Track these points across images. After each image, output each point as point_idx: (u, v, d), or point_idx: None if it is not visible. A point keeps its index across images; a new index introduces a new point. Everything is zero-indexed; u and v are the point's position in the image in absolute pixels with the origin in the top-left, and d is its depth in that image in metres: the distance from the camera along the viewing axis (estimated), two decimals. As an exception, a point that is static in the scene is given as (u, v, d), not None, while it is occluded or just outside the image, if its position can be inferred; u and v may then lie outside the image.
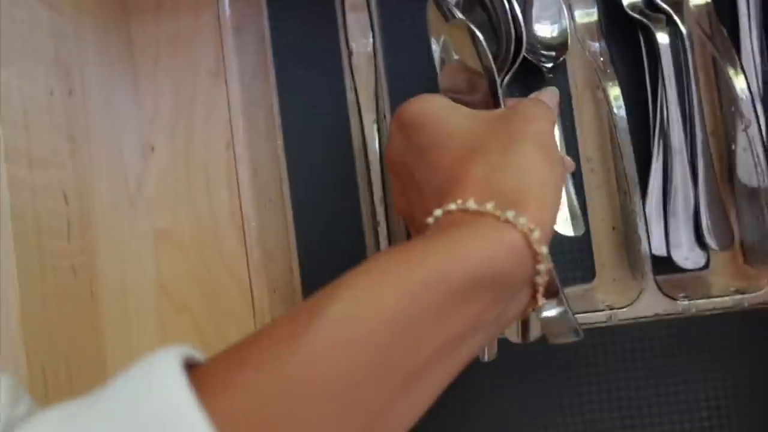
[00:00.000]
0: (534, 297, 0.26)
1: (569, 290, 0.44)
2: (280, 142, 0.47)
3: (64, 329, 0.35)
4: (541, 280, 0.25)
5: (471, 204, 0.25)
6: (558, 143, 0.43)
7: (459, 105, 0.32)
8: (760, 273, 0.42)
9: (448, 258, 0.23)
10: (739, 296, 0.39)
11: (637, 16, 0.43)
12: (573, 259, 0.44)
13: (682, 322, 0.42)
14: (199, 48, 0.49)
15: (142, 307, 0.45)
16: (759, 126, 0.40)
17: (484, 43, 0.32)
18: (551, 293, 0.30)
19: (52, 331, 0.34)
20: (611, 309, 0.39)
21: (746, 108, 0.40)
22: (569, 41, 0.44)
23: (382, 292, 0.21)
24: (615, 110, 0.41)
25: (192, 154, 0.48)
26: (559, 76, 0.45)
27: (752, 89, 0.41)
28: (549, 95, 0.39)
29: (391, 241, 0.42)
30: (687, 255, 0.41)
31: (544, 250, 0.24)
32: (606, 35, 0.44)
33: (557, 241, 0.43)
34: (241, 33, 0.47)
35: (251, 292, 0.42)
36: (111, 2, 0.47)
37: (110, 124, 0.43)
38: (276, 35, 0.48)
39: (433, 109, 0.31)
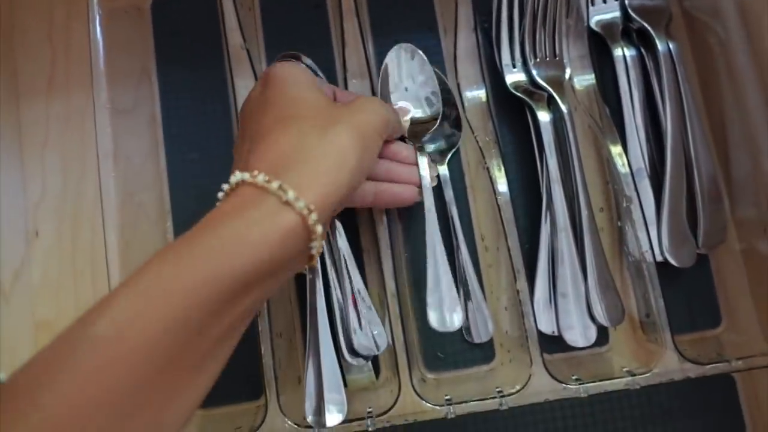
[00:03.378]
0: (310, 260, 0.29)
1: (470, 371, 0.43)
2: (169, 224, 0.45)
3: None
4: (315, 251, 0.28)
5: (260, 179, 0.27)
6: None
7: (321, 88, 0.34)
8: (658, 347, 0.42)
9: (220, 261, 0.24)
10: (630, 378, 0.38)
11: (519, 94, 0.43)
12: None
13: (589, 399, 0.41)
14: (91, 129, 0.47)
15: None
16: (640, 203, 0.40)
17: None
18: None
19: None
20: (502, 395, 0.38)
21: (627, 185, 0.41)
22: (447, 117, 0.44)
23: (147, 307, 0.22)
24: (498, 189, 0.41)
25: (78, 239, 0.46)
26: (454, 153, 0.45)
27: (632, 167, 0.42)
28: (398, 108, 0.42)
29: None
30: (579, 335, 0.40)
31: (318, 229, 0.27)
32: (495, 114, 0.44)
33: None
34: (131, 115, 0.46)
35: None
36: (2, 84, 0.46)
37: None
38: (167, 119, 0.47)
39: (298, 76, 0.34)
